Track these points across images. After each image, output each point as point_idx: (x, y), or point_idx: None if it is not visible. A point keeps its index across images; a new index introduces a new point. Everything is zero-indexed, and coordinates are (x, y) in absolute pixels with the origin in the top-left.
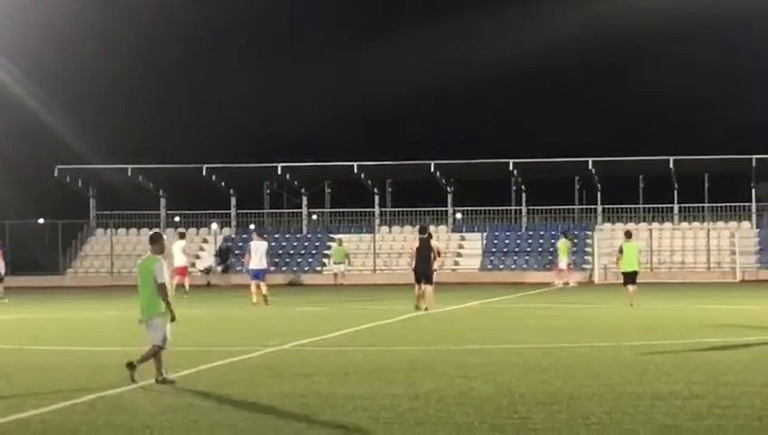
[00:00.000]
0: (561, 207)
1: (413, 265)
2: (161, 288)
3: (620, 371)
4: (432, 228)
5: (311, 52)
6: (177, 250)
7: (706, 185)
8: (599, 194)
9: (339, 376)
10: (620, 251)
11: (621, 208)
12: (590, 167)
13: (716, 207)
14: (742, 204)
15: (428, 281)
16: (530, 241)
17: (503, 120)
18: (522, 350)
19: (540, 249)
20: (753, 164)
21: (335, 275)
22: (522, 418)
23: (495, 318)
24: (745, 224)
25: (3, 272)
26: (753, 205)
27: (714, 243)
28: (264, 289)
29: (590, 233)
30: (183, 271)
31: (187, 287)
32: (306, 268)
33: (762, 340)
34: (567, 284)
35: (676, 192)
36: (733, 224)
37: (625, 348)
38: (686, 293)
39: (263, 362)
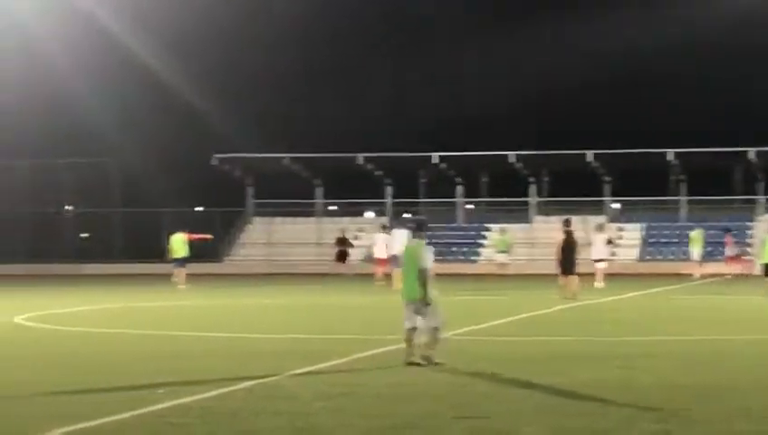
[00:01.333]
0: (722, 197)
1: (558, 257)
2: (422, 272)
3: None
4: (589, 219)
5: (472, 42)
6: (380, 242)
7: None
8: (761, 184)
9: (498, 365)
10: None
11: None
12: (751, 156)
13: None
14: None
15: (572, 272)
16: (689, 232)
17: (663, 109)
18: (681, 341)
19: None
20: None
21: (499, 264)
22: (683, 409)
23: (654, 309)
24: None
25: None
26: None
27: None
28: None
29: (750, 224)
30: (383, 262)
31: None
32: (461, 258)
33: None
34: (698, 276)
35: None
36: None
37: None
38: None
39: (419, 350)
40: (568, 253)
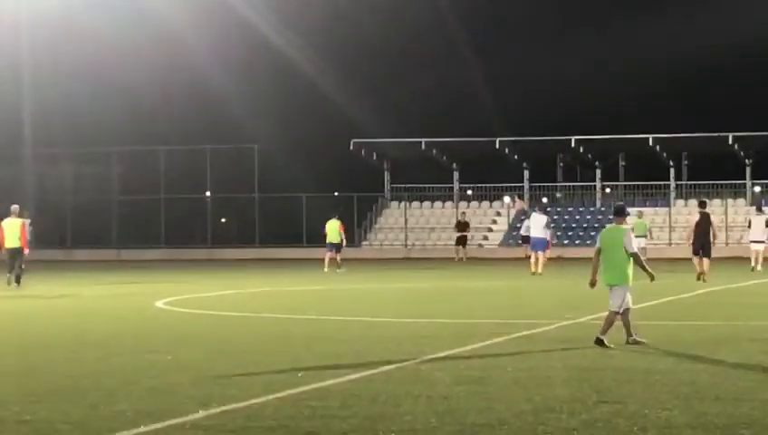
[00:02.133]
0: None
1: (692, 239)
2: (635, 257)
3: None
4: (730, 202)
5: (603, 22)
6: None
7: None
8: None
9: (637, 349)
10: None
11: None
12: None
13: None
14: None
15: (707, 254)
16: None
17: None
18: None
19: None
20: None
21: (639, 249)
22: None
23: None
24: None
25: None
26: None
27: None
28: (541, 260)
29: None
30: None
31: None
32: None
33: None
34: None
35: None
36: None
37: None
38: None
39: (558, 334)
40: (702, 235)
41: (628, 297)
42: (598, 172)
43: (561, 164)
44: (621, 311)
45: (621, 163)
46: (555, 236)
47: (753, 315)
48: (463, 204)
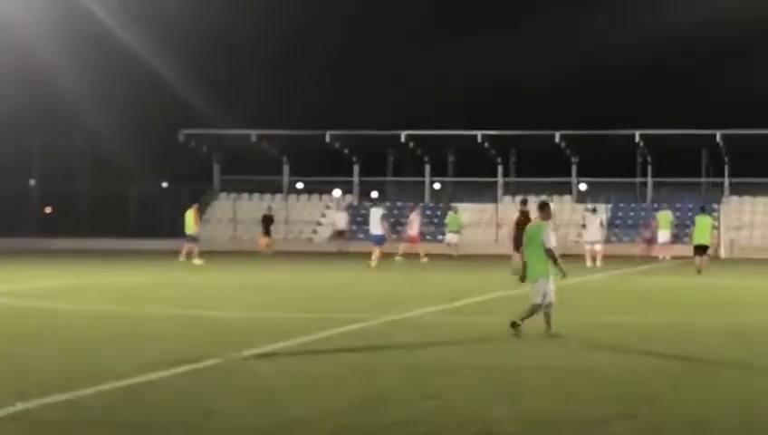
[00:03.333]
0: (688, 179)
1: (513, 236)
2: (549, 252)
3: (744, 347)
4: (556, 199)
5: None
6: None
7: None
8: (726, 167)
9: (460, 344)
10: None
11: (750, 182)
12: (717, 139)
13: None
14: None
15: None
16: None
17: (631, 93)
18: (652, 324)
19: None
20: None
21: (448, 244)
22: (648, 392)
23: (626, 292)
24: None
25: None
26: None
27: None
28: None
29: (716, 206)
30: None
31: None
32: (428, 238)
33: None
34: (668, 258)
35: None
36: None
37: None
38: None
39: (383, 329)
40: (522, 232)
41: (550, 290)
42: (427, 168)
43: (392, 159)
44: (545, 304)
45: (451, 159)
46: (393, 230)
47: (578, 311)
48: (293, 197)
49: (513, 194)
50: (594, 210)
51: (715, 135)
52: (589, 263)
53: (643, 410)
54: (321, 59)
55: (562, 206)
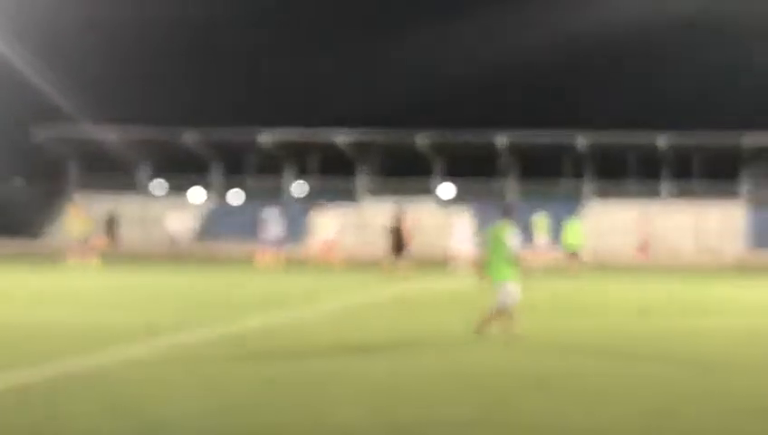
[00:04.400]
0: (550, 181)
1: (390, 240)
2: (513, 255)
3: (609, 351)
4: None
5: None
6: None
7: (697, 163)
8: (588, 169)
9: (324, 351)
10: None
11: (611, 184)
12: (579, 141)
13: (707, 186)
14: (732, 185)
15: (401, 255)
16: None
17: (495, 96)
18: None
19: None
20: (745, 144)
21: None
22: (506, 395)
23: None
24: (735, 206)
25: None
26: (745, 187)
27: (707, 224)
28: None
29: (579, 210)
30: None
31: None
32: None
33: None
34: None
35: (667, 170)
36: (723, 205)
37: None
38: (686, 275)
39: (236, 336)
40: (398, 237)
41: (515, 292)
42: (289, 168)
43: (253, 159)
44: (508, 305)
45: (313, 160)
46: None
47: (442, 318)
48: (150, 197)
49: (375, 195)
50: (462, 215)
51: (576, 137)
52: (455, 267)
53: (500, 414)
54: (180, 57)
55: (424, 208)
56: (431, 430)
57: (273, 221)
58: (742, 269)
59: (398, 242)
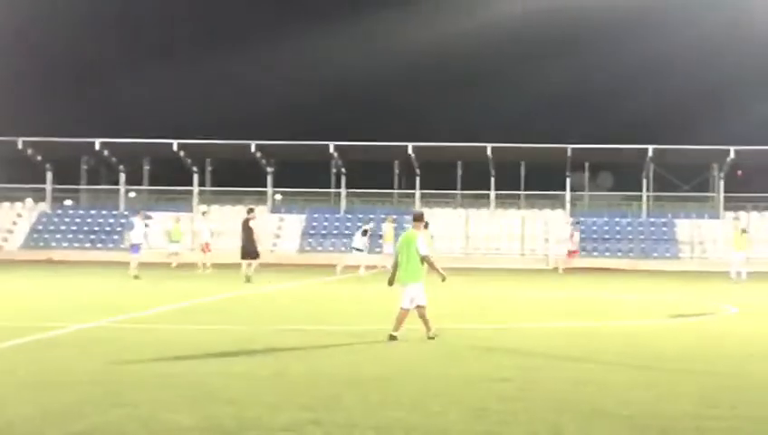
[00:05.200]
0: (381, 190)
1: (242, 244)
2: (426, 259)
3: (431, 354)
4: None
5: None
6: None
7: (523, 173)
8: (417, 178)
9: (154, 352)
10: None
11: (439, 193)
12: (409, 151)
13: (532, 194)
14: (556, 192)
15: (254, 257)
16: (348, 223)
17: (330, 108)
18: (336, 332)
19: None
20: (568, 154)
21: (172, 254)
22: (333, 397)
23: (311, 300)
24: (559, 212)
25: None
26: (568, 194)
27: (528, 230)
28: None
29: (409, 217)
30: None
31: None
32: (122, 246)
33: (563, 326)
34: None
35: (493, 179)
36: (547, 211)
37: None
38: (501, 278)
39: (76, 337)
40: (246, 239)
41: (422, 294)
42: (122, 176)
43: (86, 166)
44: (415, 307)
45: (146, 167)
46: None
47: (267, 321)
48: None
49: (209, 203)
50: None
51: (406, 147)
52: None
53: (326, 416)
54: (19, 67)
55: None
56: (255, 433)
57: (136, 227)
58: (560, 272)
59: (249, 245)
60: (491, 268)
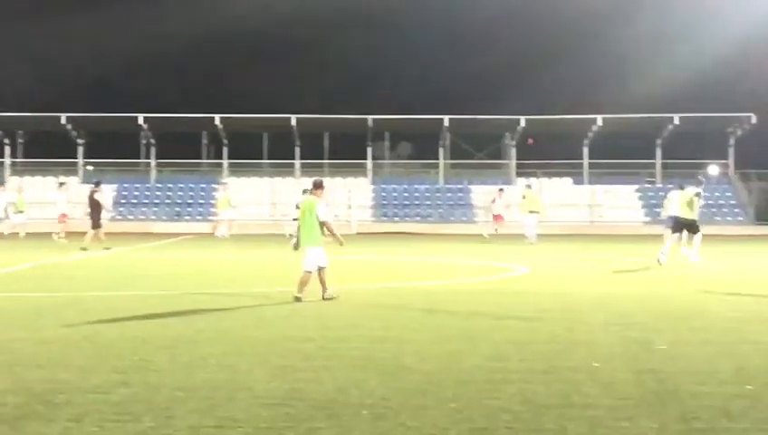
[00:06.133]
0: (190, 160)
1: (91, 214)
2: (325, 224)
3: (239, 316)
4: (63, 179)
5: None
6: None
7: (327, 143)
8: (225, 149)
9: None
10: None
11: (246, 163)
12: (216, 122)
13: (335, 163)
14: (359, 161)
15: (96, 227)
16: (158, 193)
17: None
18: (146, 296)
19: (168, 201)
20: (370, 124)
21: (18, 225)
22: (143, 360)
23: (123, 267)
24: (361, 180)
25: None
26: (369, 162)
27: (332, 197)
28: None
29: (216, 186)
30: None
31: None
32: None
33: (371, 287)
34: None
35: (298, 148)
36: (350, 179)
37: (245, 295)
38: None
39: None
40: (94, 211)
41: (321, 257)
42: None
43: None
44: (316, 269)
45: None
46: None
47: (78, 287)
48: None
49: (22, 175)
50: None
51: (213, 118)
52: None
53: (136, 377)
54: None
55: (69, 187)
56: (66, 396)
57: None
58: (369, 237)
59: (96, 214)
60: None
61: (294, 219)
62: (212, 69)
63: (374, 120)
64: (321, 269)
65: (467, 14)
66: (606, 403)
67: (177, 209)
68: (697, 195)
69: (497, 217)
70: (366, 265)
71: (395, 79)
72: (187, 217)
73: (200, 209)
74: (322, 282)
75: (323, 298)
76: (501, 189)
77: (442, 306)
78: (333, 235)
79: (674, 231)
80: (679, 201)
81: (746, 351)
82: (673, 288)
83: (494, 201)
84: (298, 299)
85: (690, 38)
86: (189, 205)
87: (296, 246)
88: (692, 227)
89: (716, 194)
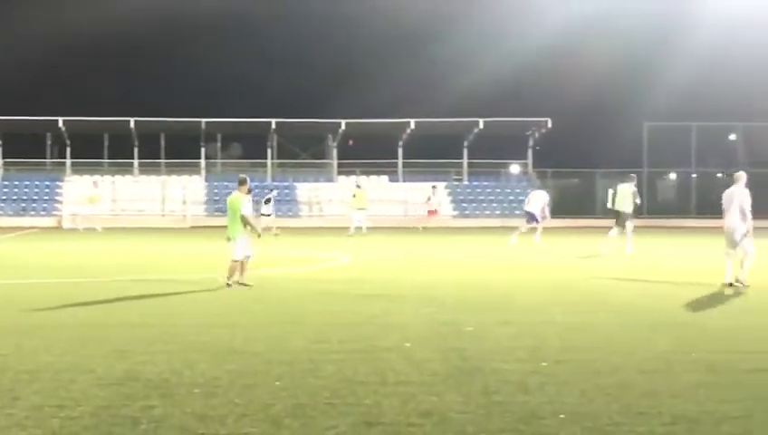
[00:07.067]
0: (35, 160)
1: None
2: (243, 218)
3: (89, 305)
4: None
5: None
6: None
7: (163, 143)
8: (68, 149)
9: None
10: None
11: (88, 162)
12: (60, 125)
13: (171, 162)
14: (193, 160)
15: None
16: (6, 190)
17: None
18: (4, 285)
19: (15, 198)
20: (203, 127)
21: None
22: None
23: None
24: (195, 177)
25: None
26: (203, 161)
27: (168, 193)
28: None
29: (60, 184)
30: None
31: None
32: None
33: (208, 276)
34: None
35: (136, 149)
36: (185, 177)
37: (96, 283)
38: (144, 236)
39: None
40: None
41: (245, 248)
42: None
43: None
44: (242, 258)
45: None
46: None
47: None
48: None
49: None
50: None
51: (57, 121)
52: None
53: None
54: None
55: None
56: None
57: None
58: (202, 230)
59: None
60: (137, 228)
61: (264, 214)
62: (56, 71)
63: (207, 122)
64: (246, 258)
65: (292, 24)
66: (417, 380)
67: (23, 205)
68: (633, 192)
69: (431, 213)
70: (201, 255)
71: (228, 84)
72: (32, 213)
73: (44, 205)
74: (243, 268)
75: (238, 283)
76: (434, 186)
77: (272, 293)
78: (252, 227)
79: (616, 224)
80: (621, 196)
81: (543, 331)
82: (489, 275)
83: (428, 199)
84: (228, 286)
85: (495, 49)
86: (34, 201)
87: (228, 238)
88: (625, 219)
89: (517, 190)
